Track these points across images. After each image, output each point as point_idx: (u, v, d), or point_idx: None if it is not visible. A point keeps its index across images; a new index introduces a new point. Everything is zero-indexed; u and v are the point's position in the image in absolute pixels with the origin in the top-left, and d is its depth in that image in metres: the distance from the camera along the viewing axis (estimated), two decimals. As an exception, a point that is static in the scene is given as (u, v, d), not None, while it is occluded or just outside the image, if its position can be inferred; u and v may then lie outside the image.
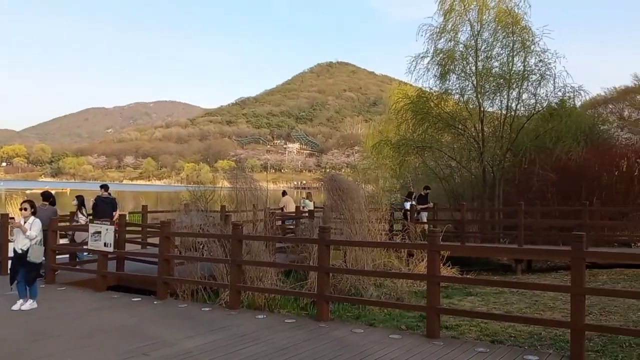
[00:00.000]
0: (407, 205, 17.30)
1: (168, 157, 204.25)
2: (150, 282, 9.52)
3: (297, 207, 17.67)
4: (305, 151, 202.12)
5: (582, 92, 19.06)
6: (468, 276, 10.56)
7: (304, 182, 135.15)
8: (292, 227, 15.47)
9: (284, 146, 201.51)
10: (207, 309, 8.26)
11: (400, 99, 22.38)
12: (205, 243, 10.49)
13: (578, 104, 20.28)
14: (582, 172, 18.08)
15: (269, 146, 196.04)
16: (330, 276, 7.98)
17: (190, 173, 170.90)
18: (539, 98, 19.27)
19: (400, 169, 24.35)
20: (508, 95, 19.68)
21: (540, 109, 19.23)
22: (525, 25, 19.52)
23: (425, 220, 17.67)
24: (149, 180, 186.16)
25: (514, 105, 19.73)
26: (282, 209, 18.46)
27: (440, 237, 6.95)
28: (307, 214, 15.98)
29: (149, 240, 13.35)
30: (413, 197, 17.96)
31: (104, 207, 12.46)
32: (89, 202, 13.03)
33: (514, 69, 19.48)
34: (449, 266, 12.01)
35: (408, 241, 13.50)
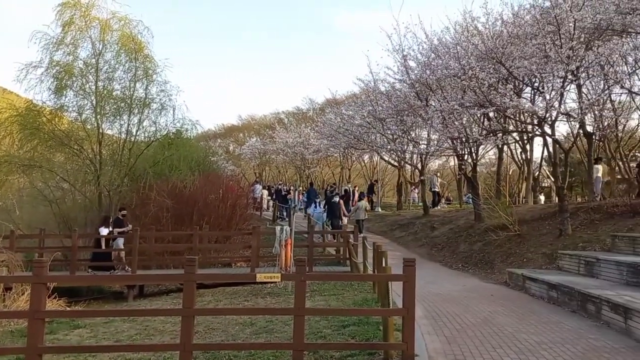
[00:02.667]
0: (104, 231, 15.27)
1: None
2: None
3: None
4: None
5: (198, 125, 20.88)
6: (77, 308, 9.83)
7: None
8: None
9: None
10: None
11: (5, 109, 19.49)
12: None
13: (194, 135, 22.01)
14: (194, 199, 19.47)
15: None
16: None
17: None
18: (159, 126, 20.05)
19: (1, 189, 21.05)
20: (129, 120, 19.71)
21: (160, 137, 19.95)
22: (149, 55, 20.08)
23: (122, 246, 15.74)
24: None
25: (134, 130, 19.87)
26: None
27: (48, 267, 6.22)
28: None
29: None
30: (110, 221, 15.91)
31: None
32: None
33: (135, 94, 19.67)
34: (55, 298, 10.90)
35: (7, 273, 11.68)
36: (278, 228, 13.92)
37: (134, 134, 19.83)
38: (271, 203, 29.29)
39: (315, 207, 21.63)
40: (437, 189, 26.43)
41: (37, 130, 18.59)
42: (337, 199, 20.97)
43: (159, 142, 19.93)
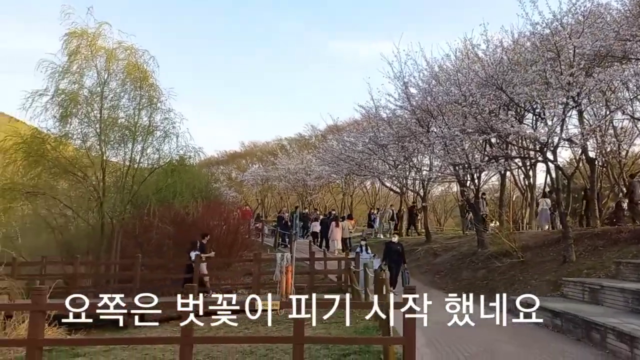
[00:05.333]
0: (193, 255, 15.45)
1: None
2: None
3: None
4: None
5: (201, 152, 21.00)
6: (77, 336, 9.73)
7: None
8: None
9: None
10: None
11: (10, 137, 19.60)
12: None
13: (196, 162, 22.12)
14: (197, 226, 19.43)
15: None
16: None
17: None
18: (163, 154, 20.11)
19: (4, 216, 21.07)
20: (133, 148, 19.79)
21: (163, 164, 20.03)
22: (154, 83, 20.27)
23: (205, 271, 15.91)
24: None
25: (138, 157, 19.94)
26: None
27: (49, 294, 6.21)
28: None
29: None
30: (197, 246, 16.00)
31: None
32: None
33: (140, 122, 19.81)
34: (55, 326, 10.80)
35: (8, 301, 11.61)
36: (279, 255, 13.87)
37: (138, 161, 19.92)
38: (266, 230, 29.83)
39: (361, 250, 17.70)
40: (393, 218, 27.18)
41: (42, 158, 18.70)
42: (395, 238, 16.92)
43: (162, 169, 20.00)
